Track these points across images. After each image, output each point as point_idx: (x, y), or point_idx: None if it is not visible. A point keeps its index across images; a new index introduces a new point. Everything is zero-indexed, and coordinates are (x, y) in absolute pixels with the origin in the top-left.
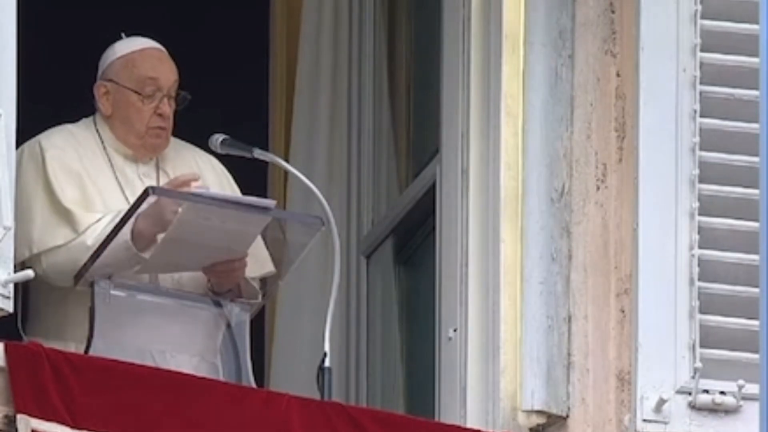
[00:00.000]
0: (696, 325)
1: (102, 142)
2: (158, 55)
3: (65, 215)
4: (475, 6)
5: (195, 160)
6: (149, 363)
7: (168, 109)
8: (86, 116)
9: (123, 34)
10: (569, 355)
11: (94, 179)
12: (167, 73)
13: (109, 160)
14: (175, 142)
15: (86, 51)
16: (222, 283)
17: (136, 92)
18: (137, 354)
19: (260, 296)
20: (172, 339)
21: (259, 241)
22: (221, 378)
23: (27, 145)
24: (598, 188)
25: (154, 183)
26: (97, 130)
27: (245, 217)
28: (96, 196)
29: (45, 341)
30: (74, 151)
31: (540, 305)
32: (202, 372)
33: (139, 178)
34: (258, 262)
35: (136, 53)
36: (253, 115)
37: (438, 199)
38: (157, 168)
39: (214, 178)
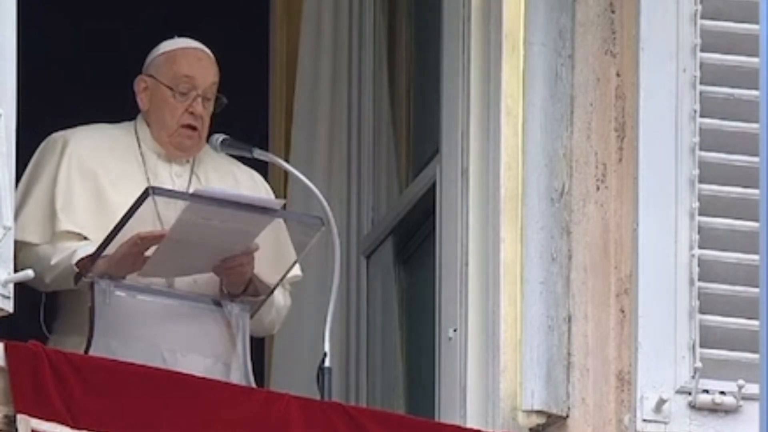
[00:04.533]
0: (696, 325)
1: (138, 141)
2: (199, 55)
3: (51, 216)
4: (475, 6)
5: (233, 174)
6: (159, 362)
7: (200, 108)
8: (89, 119)
9: (175, 36)
10: (569, 355)
11: (116, 180)
12: (205, 73)
13: (143, 159)
14: (216, 153)
15: (86, 50)
16: (234, 282)
17: (170, 88)
18: (147, 352)
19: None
20: (182, 338)
21: (287, 246)
22: (234, 380)
23: (53, 136)
24: (598, 188)
25: (185, 184)
26: (136, 130)
27: (246, 218)
28: (113, 196)
29: (64, 337)
30: (99, 151)
31: (540, 305)
32: (215, 374)
33: (170, 178)
34: (284, 266)
35: (177, 51)
36: (253, 115)
37: (438, 199)
38: (191, 170)
39: (253, 192)
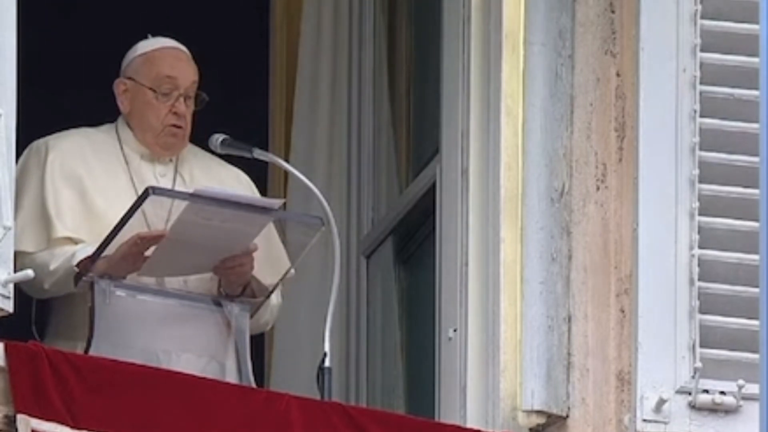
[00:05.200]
0: (696, 325)
1: (120, 143)
2: (178, 54)
3: (45, 223)
4: (475, 6)
5: (218, 173)
6: (154, 363)
7: (184, 108)
8: (88, 119)
9: (149, 35)
10: (569, 355)
11: (101, 181)
12: (186, 72)
13: (126, 160)
14: (200, 152)
15: (86, 50)
16: (233, 282)
17: (152, 90)
18: (142, 354)
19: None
20: (177, 339)
21: (279, 248)
22: (229, 379)
23: (35, 143)
24: (598, 188)
25: (170, 184)
26: (117, 132)
27: (246, 217)
28: (100, 198)
29: (55, 341)
30: (82, 154)
31: (540, 305)
32: (209, 374)
33: (155, 178)
34: (277, 268)
35: (156, 51)
36: (253, 115)
37: (438, 199)
38: (175, 170)
39: (240, 191)
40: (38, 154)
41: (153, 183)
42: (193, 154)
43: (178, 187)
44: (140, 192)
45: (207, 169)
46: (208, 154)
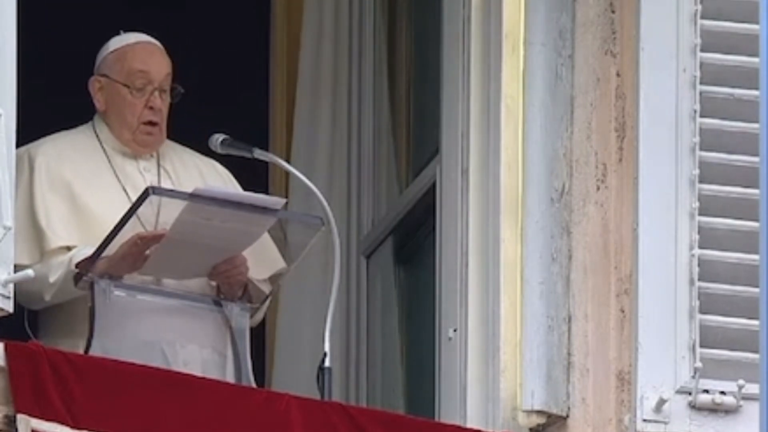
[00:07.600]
0: (696, 325)
1: (100, 143)
2: (150, 48)
3: (37, 234)
4: (475, 6)
5: (197, 165)
6: (158, 356)
7: (159, 102)
8: (87, 119)
9: (121, 31)
10: (569, 355)
11: (89, 182)
12: (158, 66)
13: (108, 159)
14: (176, 146)
15: (86, 50)
16: (230, 284)
17: (125, 85)
18: (145, 348)
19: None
20: (179, 331)
21: (267, 241)
22: (229, 370)
23: (17, 152)
24: (598, 188)
25: (155, 178)
26: (96, 132)
27: (247, 217)
28: (90, 200)
29: (55, 338)
30: (66, 157)
31: (540, 305)
32: (212, 364)
33: (140, 173)
34: (268, 262)
35: (127, 47)
36: (253, 115)
37: (438, 199)
38: (158, 164)
39: (219, 182)
40: (22, 163)
41: (138, 179)
42: (171, 148)
43: (164, 181)
44: (128, 189)
45: (186, 162)
46: (181, 147)
